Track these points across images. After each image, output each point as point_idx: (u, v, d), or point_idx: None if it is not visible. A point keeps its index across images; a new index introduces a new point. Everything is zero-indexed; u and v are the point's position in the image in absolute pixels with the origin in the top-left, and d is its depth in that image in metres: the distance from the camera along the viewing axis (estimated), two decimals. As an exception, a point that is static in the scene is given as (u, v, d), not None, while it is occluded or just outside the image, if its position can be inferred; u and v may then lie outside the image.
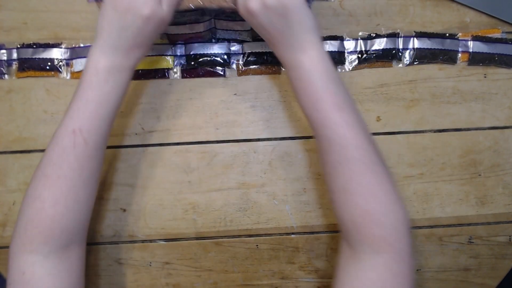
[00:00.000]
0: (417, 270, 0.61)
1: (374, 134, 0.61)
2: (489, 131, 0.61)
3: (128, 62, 0.45)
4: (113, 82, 0.44)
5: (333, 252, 0.61)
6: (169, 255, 0.61)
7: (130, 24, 0.42)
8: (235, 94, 0.61)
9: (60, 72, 0.61)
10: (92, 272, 0.61)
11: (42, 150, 0.60)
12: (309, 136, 0.61)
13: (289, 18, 0.43)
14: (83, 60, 0.60)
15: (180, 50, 0.60)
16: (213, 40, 0.59)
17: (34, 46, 0.60)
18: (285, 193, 0.61)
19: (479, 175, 0.60)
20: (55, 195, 0.43)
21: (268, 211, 0.61)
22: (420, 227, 0.61)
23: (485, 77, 0.61)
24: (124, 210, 0.61)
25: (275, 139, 0.61)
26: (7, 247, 0.60)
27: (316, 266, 0.61)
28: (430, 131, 0.61)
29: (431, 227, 0.61)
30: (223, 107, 0.61)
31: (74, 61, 0.60)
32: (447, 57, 0.60)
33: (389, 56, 0.60)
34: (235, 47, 0.60)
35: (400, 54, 0.60)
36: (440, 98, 0.61)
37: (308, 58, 0.44)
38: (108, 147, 0.61)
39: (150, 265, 0.61)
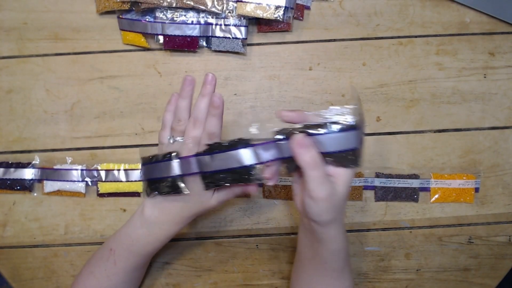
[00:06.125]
0: (417, 270, 0.61)
1: (374, 134, 0.61)
2: (489, 131, 0.61)
3: (167, 221, 0.48)
4: (147, 229, 0.49)
5: (333, 252, 0.61)
6: (169, 255, 0.61)
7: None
8: (235, 94, 0.61)
9: (31, 191, 0.60)
10: (92, 272, 0.61)
11: (42, 150, 0.61)
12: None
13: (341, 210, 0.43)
14: (53, 183, 0.60)
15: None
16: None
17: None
18: (285, 193, 0.61)
19: (479, 175, 0.60)
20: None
21: (268, 211, 0.61)
22: (420, 227, 0.61)
23: (485, 77, 0.61)
24: (124, 210, 0.61)
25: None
26: (7, 247, 0.61)
27: (316, 266, 0.61)
28: (430, 131, 0.61)
29: (431, 227, 0.61)
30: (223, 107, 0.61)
31: (45, 182, 0.60)
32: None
33: None
34: None
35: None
36: (440, 98, 0.61)
37: (334, 235, 0.44)
38: (108, 147, 0.61)
39: (150, 265, 0.61)
